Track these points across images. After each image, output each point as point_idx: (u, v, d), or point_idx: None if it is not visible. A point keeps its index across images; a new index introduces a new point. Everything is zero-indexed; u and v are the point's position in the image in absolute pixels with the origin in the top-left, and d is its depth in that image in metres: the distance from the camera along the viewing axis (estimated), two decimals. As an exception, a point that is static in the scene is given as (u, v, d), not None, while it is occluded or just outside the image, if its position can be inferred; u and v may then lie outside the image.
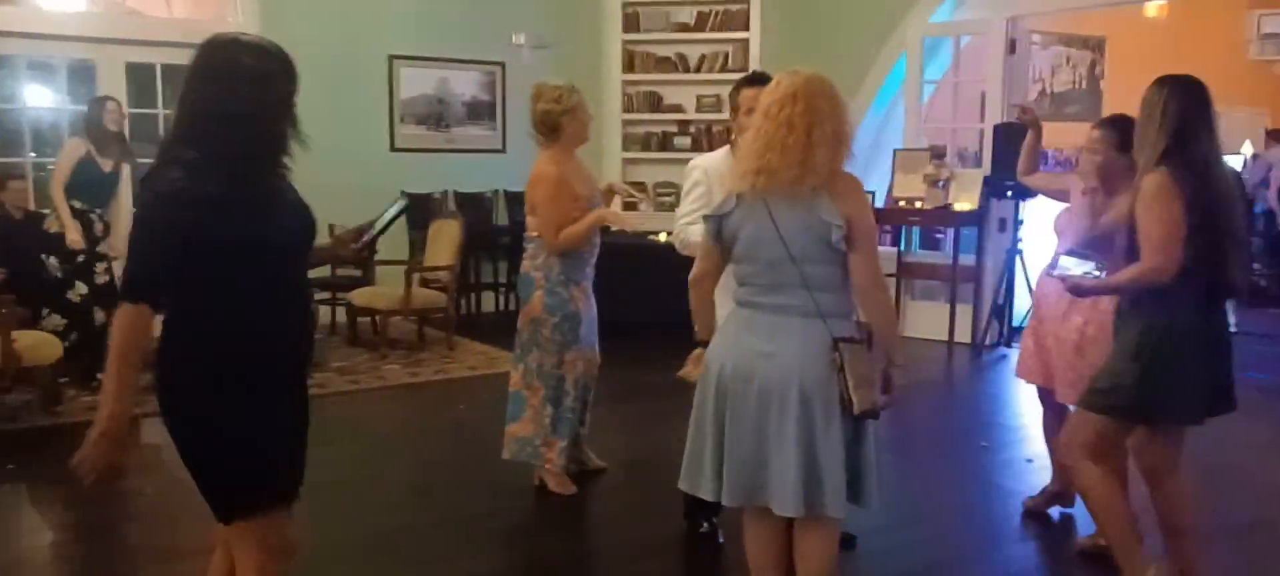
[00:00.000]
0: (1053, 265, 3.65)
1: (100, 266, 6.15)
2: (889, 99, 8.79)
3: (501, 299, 9.39)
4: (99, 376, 6.06)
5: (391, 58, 8.74)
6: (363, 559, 3.95)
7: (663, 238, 8.26)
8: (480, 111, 9.27)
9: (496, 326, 8.72)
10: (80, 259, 6.06)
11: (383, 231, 2.68)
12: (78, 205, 6.04)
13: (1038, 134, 4.29)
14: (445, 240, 7.74)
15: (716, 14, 9.28)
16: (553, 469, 4.48)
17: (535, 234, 4.38)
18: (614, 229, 4.59)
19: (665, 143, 9.49)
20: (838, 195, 2.72)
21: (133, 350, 2.22)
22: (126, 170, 6.38)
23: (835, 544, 2.91)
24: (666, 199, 9.40)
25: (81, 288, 6.08)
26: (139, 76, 8.04)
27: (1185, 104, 3.08)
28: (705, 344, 2.96)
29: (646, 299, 7.90)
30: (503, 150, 9.32)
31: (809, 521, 2.82)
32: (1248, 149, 11.70)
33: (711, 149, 9.17)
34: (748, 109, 3.57)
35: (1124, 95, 12.37)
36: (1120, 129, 3.62)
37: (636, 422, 5.80)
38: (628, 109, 9.54)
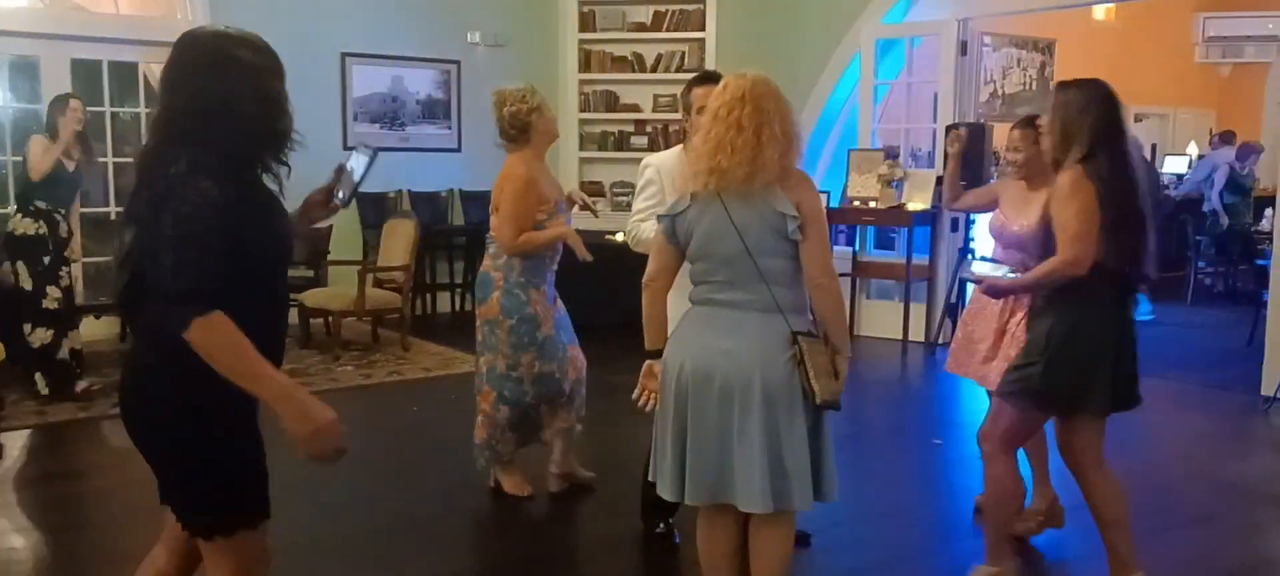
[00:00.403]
0: (966, 269, 3.75)
1: (62, 271, 5.96)
2: (844, 100, 8.85)
3: (457, 299, 9.34)
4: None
5: (344, 55, 8.65)
6: (316, 562, 3.90)
7: (619, 237, 8.25)
8: (435, 110, 9.20)
9: (452, 327, 8.67)
10: (46, 261, 5.86)
11: (359, 185, 2.50)
12: (42, 205, 5.85)
13: (958, 164, 4.40)
14: (400, 240, 7.68)
15: (673, 14, 9.30)
16: (507, 472, 4.44)
17: (494, 233, 4.34)
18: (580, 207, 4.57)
19: (622, 142, 9.49)
20: (789, 188, 2.78)
21: (248, 347, 2.06)
22: (87, 172, 6.19)
23: (791, 540, 2.95)
24: (623, 198, 9.39)
25: (55, 292, 5.87)
26: (86, 73, 7.88)
27: (1105, 105, 3.17)
28: (655, 355, 2.96)
29: (605, 298, 7.89)
30: (458, 149, 9.26)
31: (767, 518, 2.84)
32: (1193, 150, 11.95)
33: (668, 148, 9.29)
34: (699, 107, 3.58)
35: (1073, 96, 12.27)
36: (1037, 127, 3.75)
37: (594, 422, 5.78)
38: (584, 108, 9.52)
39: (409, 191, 8.99)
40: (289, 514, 4.39)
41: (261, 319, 2.16)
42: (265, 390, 2.09)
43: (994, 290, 3.44)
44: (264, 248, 2.19)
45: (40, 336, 5.85)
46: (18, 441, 5.22)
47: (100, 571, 3.84)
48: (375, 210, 8.70)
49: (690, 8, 9.25)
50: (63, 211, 5.98)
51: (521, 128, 4.27)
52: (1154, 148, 11.65)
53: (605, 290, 7.81)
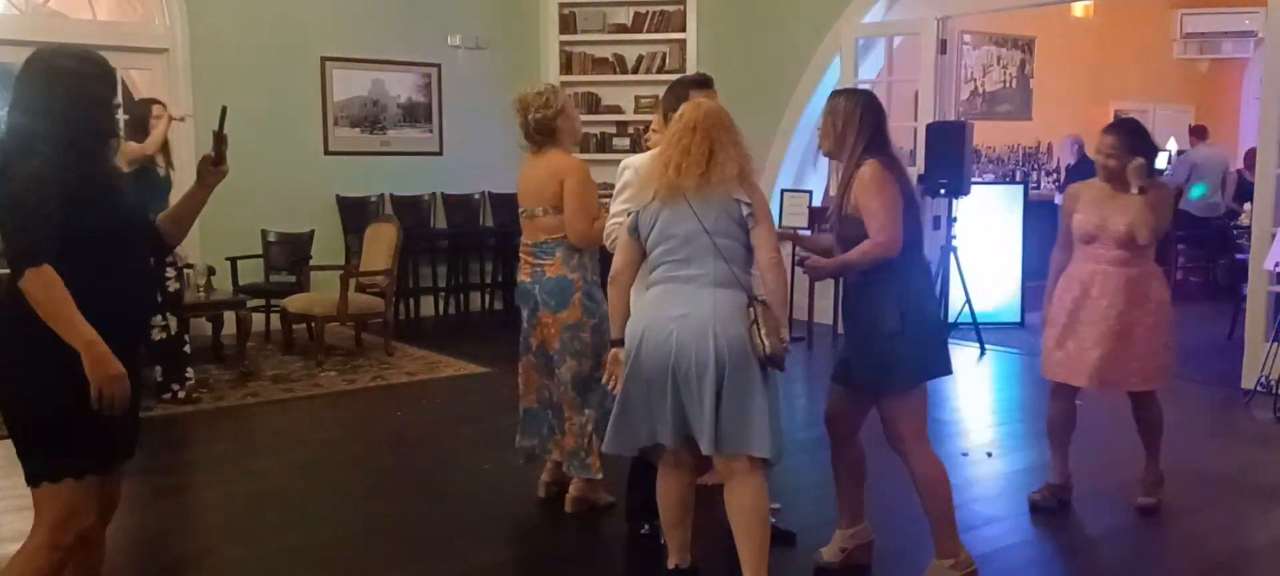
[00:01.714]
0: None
1: (170, 272, 6.00)
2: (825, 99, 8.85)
3: (441, 303, 9.32)
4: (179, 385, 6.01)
5: (324, 59, 8.61)
6: (299, 570, 3.88)
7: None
8: (416, 113, 9.17)
9: (436, 331, 8.66)
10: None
11: (222, 140, 2.84)
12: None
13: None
14: (382, 244, 7.65)
15: (653, 15, 9.30)
16: (596, 479, 4.24)
17: (556, 233, 4.11)
18: None
19: (604, 144, 9.49)
20: (745, 188, 3.21)
21: (67, 300, 2.46)
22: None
23: (764, 492, 3.24)
24: (605, 199, 9.36)
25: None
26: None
27: (876, 110, 3.50)
28: (621, 343, 3.31)
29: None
30: (440, 153, 9.24)
31: (738, 473, 3.21)
32: (1172, 145, 12.01)
33: (648, 151, 9.29)
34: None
35: (1053, 94, 12.71)
36: (1132, 133, 4.20)
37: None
38: (566, 110, 9.49)
39: (391, 195, 8.96)
40: (272, 520, 4.40)
41: (105, 289, 2.54)
42: (76, 337, 2.46)
43: (817, 272, 3.57)
44: (98, 226, 2.55)
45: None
46: None
47: None
48: (357, 215, 8.67)
49: (671, 9, 9.25)
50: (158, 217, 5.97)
51: (548, 132, 4.13)
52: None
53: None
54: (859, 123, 3.44)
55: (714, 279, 3.16)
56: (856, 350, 3.51)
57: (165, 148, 6.03)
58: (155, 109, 6.01)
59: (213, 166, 2.82)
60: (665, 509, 3.40)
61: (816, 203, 8.33)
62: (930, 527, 3.53)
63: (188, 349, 6.18)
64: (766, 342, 3.11)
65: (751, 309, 3.14)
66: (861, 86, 8.49)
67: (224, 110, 2.86)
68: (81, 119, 2.58)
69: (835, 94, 3.65)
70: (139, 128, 5.94)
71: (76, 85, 2.58)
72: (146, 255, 2.81)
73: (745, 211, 3.18)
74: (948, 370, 3.54)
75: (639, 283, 3.37)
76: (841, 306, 3.70)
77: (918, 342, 3.39)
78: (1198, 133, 10.81)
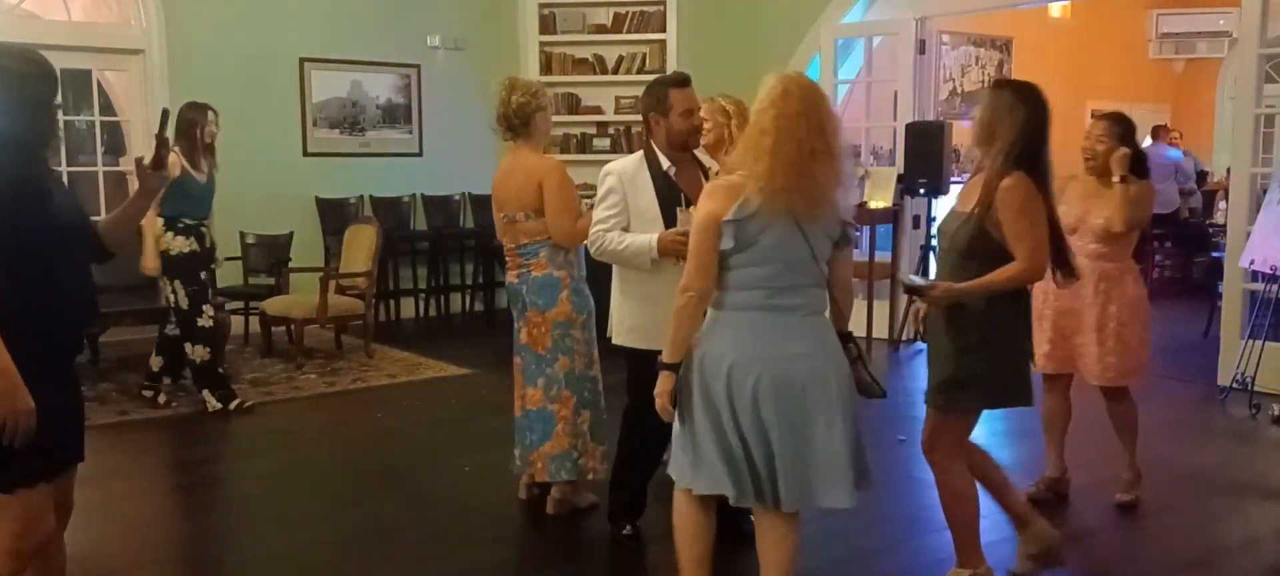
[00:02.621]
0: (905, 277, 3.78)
1: (207, 310, 5.91)
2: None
3: (421, 305, 9.29)
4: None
5: (302, 60, 8.57)
6: (279, 574, 3.85)
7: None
8: (396, 114, 9.14)
9: (417, 333, 8.63)
10: (201, 277, 5.85)
11: (163, 144, 2.81)
12: (190, 221, 5.75)
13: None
14: (361, 246, 7.62)
15: (633, 15, 9.30)
16: (591, 471, 4.20)
17: (540, 236, 4.09)
18: None
19: (584, 144, 9.47)
20: (841, 194, 2.85)
21: None
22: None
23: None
24: (586, 200, 9.37)
25: (209, 309, 5.87)
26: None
27: (1038, 111, 3.21)
28: (675, 368, 2.88)
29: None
30: (419, 154, 9.20)
31: (788, 521, 2.93)
32: (1149, 144, 12.11)
33: (631, 150, 9.26)
34: (682, 110, 3.66)
35: (1031, 93, 12.36)
36: (1123, 123, 4.21)
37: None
38: (546, 111, 9.48)
39: (370, 197, 8.93)
40: (251, 525, 4.38)
41: (44, 293, 2.52)
42: None
43: (936, 299, 3.27)
44: (38, 229, 2.51)
45: (199, 353, 5.84)
46: None
47: None
48: (336, 216, 8.63)
49: (651, 9, 9.25)
50: (207, 224, 5.91)
51: (524, 120, 4.08)
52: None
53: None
54: (1012, 121, 3.18)
55: (816, 306, 2.86)
56: (935, 360, 3.35)
57: (210, 150, 5.89)
58: (210, 113, 5.82)
59: (153, 171, 2.76)
60: (692, 542, 3.05)
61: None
62: (952, 537, 3.48)
63: (223, 369, 6.15)
64: (875, 379, 2.94)
65: (852, 344, 2.93)
66: (840, 85, 8.57)
67: (165, 113, 2.83)
68: (22, 119, 2.54)
69: (1000, 84, 3.37)
70: (187, 134, 5.75)
71: (17, 85, 2.54)
72: (86, 260, 2.74)
73: (846, 232, 2.90)
74: (1027, 400, 3.36)
75: (649, 283, 3.20)
76: (924, 318, 3.46)
77: (996, 365, 3.24)
78: (1156, 133, 10.90)
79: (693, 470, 2.91)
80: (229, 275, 7.98)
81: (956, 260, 3.28)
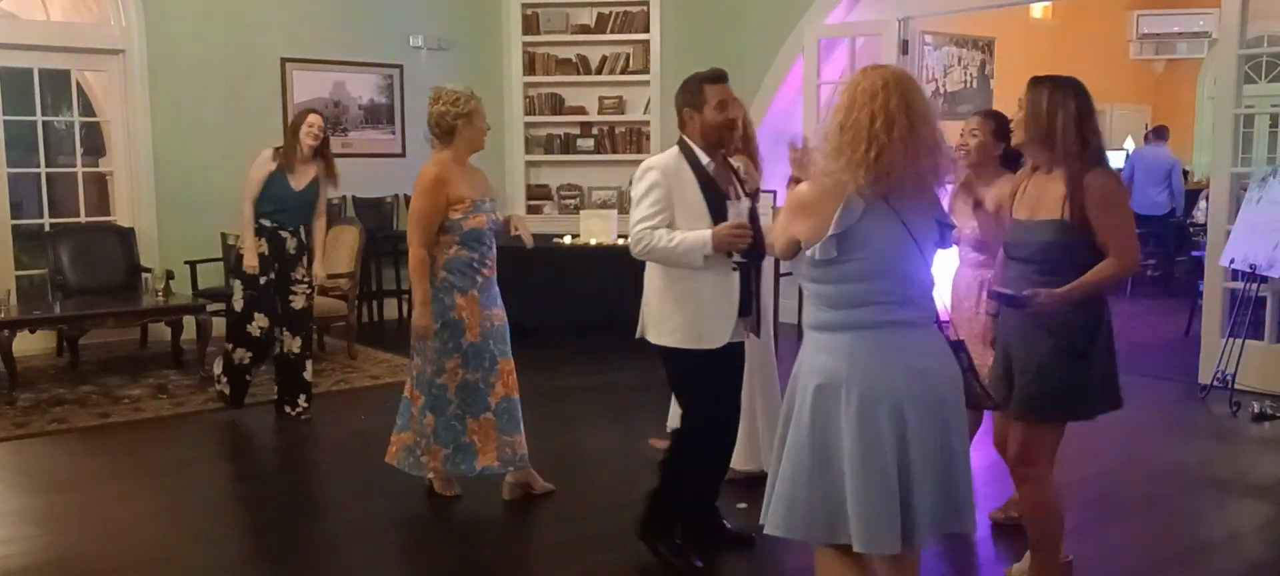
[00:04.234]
0: (993, 294, 3.33)
1: (298, 288, 5.83)
2: (789, 98, 8.90)
3: (404, 306, 9.25)
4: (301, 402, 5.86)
5: (284, 60, 8.52)
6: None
7: (567, 240, 8.24)
8: (378, 115, 9.10)
9: (400, 334, 8.56)
10: (262, 282, 5.73)
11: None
12: (267, 224, 5.68)
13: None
14: (344, 247, 7.59)
15: (616, 15, 9.29)
16: (437, 476, 4.46)
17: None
18: (513, 233, 4.47)
19: (568, 145, 9.46)
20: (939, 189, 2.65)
21: None
22: (326, 187, 5.91)
23: None
24: (570, 201, 9.37)
25: (261, 319, 5.77)
26: (17, 81, 7.70)
27: (1090, 105, 3.16)
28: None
29: (550, 302, 7.89)
30: (402, 154, 9.17)
31: (910, 558, 2.63)
32: (1130, 144, 12.18)
33: (615, 151, 9.30)
34: (717, 103, 3.53)
35: (1013, 94, 12.67)
36: (997, 120, 3.95)
37: (544, 427, 5.76)
38: (529, 111, 9.48)
39: (353, 197, 8.88)
40: (235, 528, 4.35)
41: None
42: None
43: (1051, 303, 3.05)
44: None
45: (239, 354, 5.83)
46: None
47: None
48: (319, 217, 8.58)
49: (634, 10, 9.24)
50: (291, 229, 5.77)
51: (446, 131, 4.20)
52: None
53: (551, 294, 7.84)
54: (1077, 117, 3.10)
55: (929, 316, 2.58)
56: (1032, 370, 3.14)
57: (317, 156, 5.75)
58: (310, 118, 5.73)
59: None
60: None
61: (780, 203, 8.35)
62: (1030, 546, 3.40)
63: (308, 375, 5.96)
64: (986, 391, 2.78)
65: (962, 354, 2.65)
66: (823, 86, 8.58)
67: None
68: None
69: (1038, 81, 3.21)
70: (290, 136, 5.76)
71: None
72: None
73: (952, 235, 2.66)
74: (1118, 403, 3.24)
75: (693, 280, 3.18)
76: (1002, 320, 3.31)
77: (1095, 371, 3.13)
78: (1156, 133, 10.96)
79: (861, 531, 2.48)
80: (210, 276, 7.93)
81: (1037, 271, 3.11)
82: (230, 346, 5.90)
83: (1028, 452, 3.26)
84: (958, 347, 2.66)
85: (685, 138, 3.62)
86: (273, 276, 5.77)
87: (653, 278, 3.68)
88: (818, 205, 2.49)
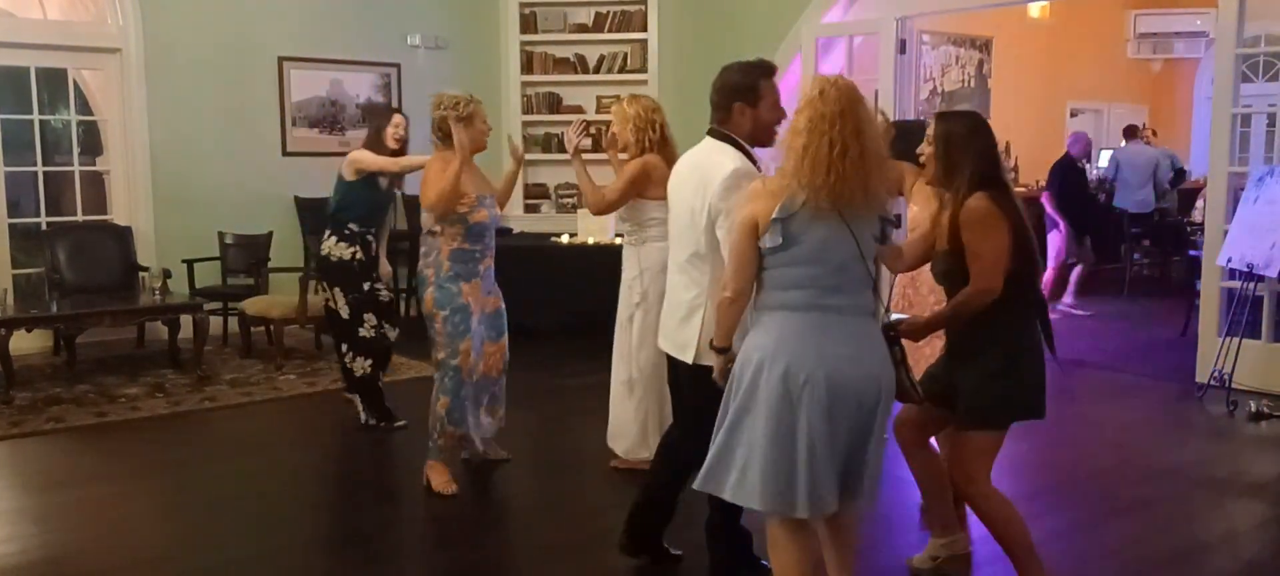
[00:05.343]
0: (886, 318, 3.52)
1: (379, 286, 5.65)
2: (786, 97, 8.89)
3: (402, 305, 9.23)
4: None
5: (281, 59, 8.51)
6: (258, 576, 3.83)
7: (565, 239, 8.23)
8: (376, 114, 9.08)
9: (399, 334, 8.56)
10: (365, 287, 5.53)
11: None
12: (355, 228, 5.50)
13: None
14: (341, 246, 7.57)
15: (614, 15, 9.29)
16: (438, 467, 4.55)
17: (426, 229, 4.54)
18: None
19: (564, 144, 9.44)
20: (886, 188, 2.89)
21: None
22: (396, 191, 5.88)
23: None
24: (568, 200, 9.37)
25: (371, 319, 5.55)
26: (13, 80, 7.69)
27: (987, 134, 3.29)
28: (726, 350, 2.92)
29: (549, 301, 7.88)
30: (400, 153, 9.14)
31: (849, 523, 3.00)
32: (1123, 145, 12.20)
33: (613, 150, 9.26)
34: (773, 101, 3.38)
35: (1011, 93, 12.83)
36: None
37: (539, 425, 5.76)
38: (527, 110, 9.48)
39: (350, 196, 8.88)
40: (230, 527, 4.34)
41: None
42: None
43: (912, 332, 3.28)
44: None
45: (360, 365, 5.58)
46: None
47: None
48: (316, 216, 8.57)
49: (631, 9, 9.24)
50: (375, 232, 5.63)
51: (446, 134, 4.49)
52: (1089, 142, 11.90)
53: (550, 293, 7.83)
54: (970, 149, 3.22)
55: (864, 308, 2.81)
56: (959, 379, 3.30)
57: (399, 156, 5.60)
58: (396, 118, 5.61)
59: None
60: (787, 571, 2.96)
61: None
62: (1013, 564, 3.41)
63: (382, 384, 5.74)
64: (914, 385, 2.95)
65: (896, 347, 2.90)
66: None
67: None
68: None
69: (941, 116, 3.37)
70: (376, 136, 5.56)
71: None
72: None
73: (888, 229, 2.88)
74: (1041, 413, 3.32)
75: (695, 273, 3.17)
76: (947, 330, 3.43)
77: (1022, 384, 3.24)
78: (1128, 132, 10.97)
79: (733, 484, 2.84)
80: (207, 275, 7.93)
81: (948, 294, 3.31)
82: (349, 356, 5.59)
83: (967, 468, 3.32)
84: (892, 341, 2.90)
85: (728, 132, 3.34)
86: (375, 281, 5.61)
87: (683, 294, 3.41)
88: (768, 195, 2.78)
